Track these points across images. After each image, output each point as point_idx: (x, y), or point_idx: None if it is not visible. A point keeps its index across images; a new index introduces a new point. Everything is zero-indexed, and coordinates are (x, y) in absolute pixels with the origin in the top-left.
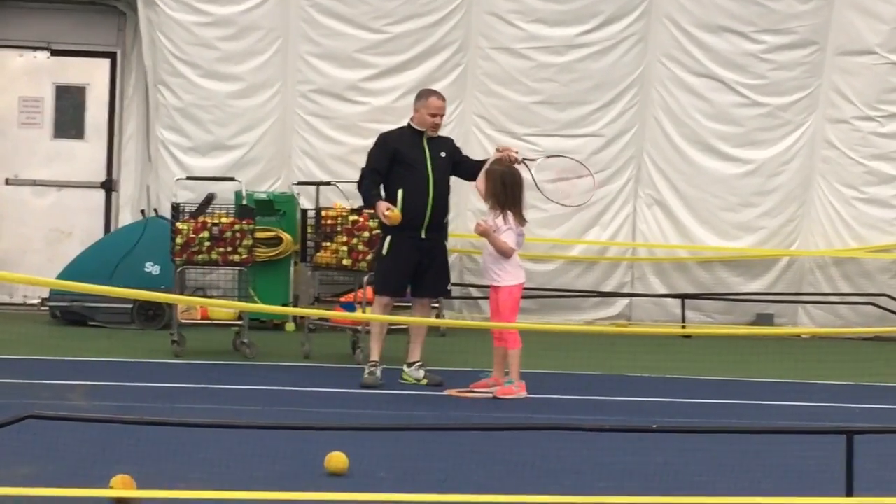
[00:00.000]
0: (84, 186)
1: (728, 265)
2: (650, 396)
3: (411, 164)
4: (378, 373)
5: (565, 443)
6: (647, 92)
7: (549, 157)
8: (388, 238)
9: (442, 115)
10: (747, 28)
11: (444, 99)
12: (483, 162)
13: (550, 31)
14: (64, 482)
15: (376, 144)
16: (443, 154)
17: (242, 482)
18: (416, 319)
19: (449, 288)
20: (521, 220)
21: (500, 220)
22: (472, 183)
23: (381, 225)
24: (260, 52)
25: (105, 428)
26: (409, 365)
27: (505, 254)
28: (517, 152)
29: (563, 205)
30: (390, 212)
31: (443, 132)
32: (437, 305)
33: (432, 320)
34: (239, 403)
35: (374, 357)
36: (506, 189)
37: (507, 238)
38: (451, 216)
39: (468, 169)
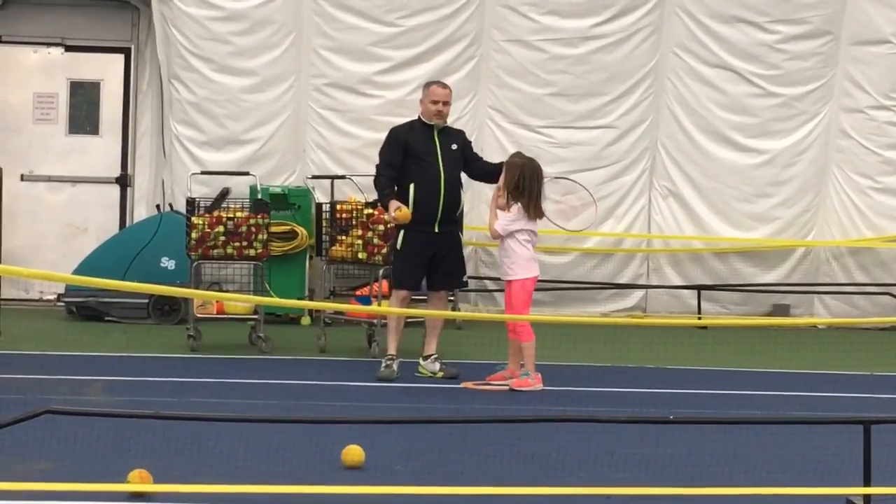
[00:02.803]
0: (99, 182)
1: (743, 256)
2: (666, 388)
3: (422, 158)
4: (394, 366)
5: (581, 434)
6: (662, 83)
7: (557, 177)
8: (402, 232)
9: (446, 104)
10: (761, 18)
11: (447, 87)
12: (499, 166)
13: (564, 23)
14: (81, 477)
15: (388, 139)
16: (454, 147)
17: (259, 476)
18: (433, 312)
19: (465, 280)
20: (538, 213)
21: (512, 208)
22: (489, 191)
23: None
24: (273, 46)
25: (122, 422)
26: (425, 358)
27: (491, 234)
28: None
29: (557, 225)
30: (398, 211)
31: (458, 125)
32: (452, 298)
33: (448, 313)
34: (255, 397)
35: (391, 351)
36: (524, 181)
37: (501, 219)
38: (466, 209)
39: (481, 171)
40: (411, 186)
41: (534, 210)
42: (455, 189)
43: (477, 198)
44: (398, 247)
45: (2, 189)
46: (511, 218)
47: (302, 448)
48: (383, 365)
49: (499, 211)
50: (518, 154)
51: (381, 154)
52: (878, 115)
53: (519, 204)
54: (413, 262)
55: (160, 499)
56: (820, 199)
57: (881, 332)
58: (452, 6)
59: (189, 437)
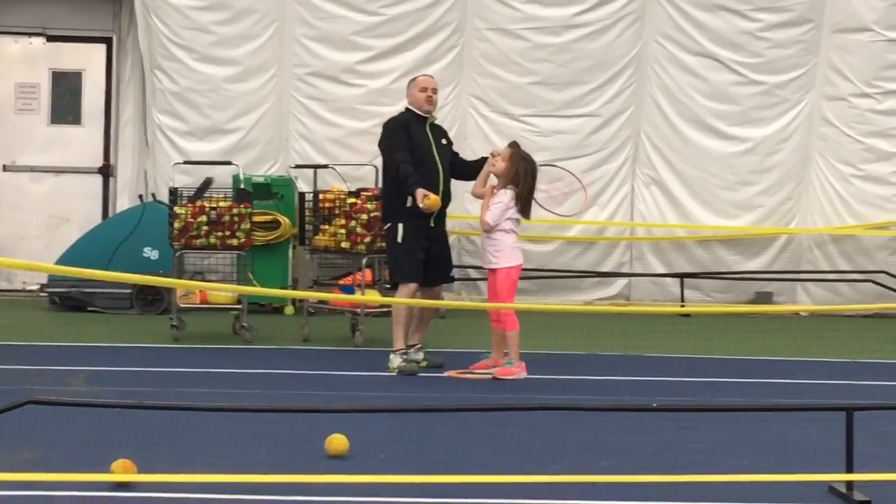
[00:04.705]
0: (81, 172)
1: (726, 244)
2: (649, 375)
3: (420, 150)
4: (412, 356)
5: (565, 422)
6: (644, 71)
7: (543, 165)
8: (401, 226)
9: (434, 90)
10: (743, 6)
11: (432, 77)
12: (477, 162)
13: (546, 12)
14: (65, 467)
15: (391, 127)
16: (443, 142)
17: (243, 465)
18: (426, 302)
19: (453, 275)
20: (527, 212)
21: (502, 193)
22: (469, 189)
23: (386, 212)
24: (256, 35)
25: (105, 413)
26: (410, 346)
27: (483, 226)
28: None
29: (550, 211)
30: (427, 200)
31: (441, 114)
32: None
33: (434, 302)
34: (238, 387)
35: (401, 344)
36: (526, 178)
37: (493, 210)
38: None
39: (461, 167)
40: None
41: (525, 210)
42: (448, 183)
43: (460, 186)
44: (399, 239)
45: None
46: (502, 209)
47: (286, 437)
48: (400, 360)
49: (490, 202)
50: (517, 145)
51: (390, 142)
52: (860, 102)
53: (510, 191)
54: (416, 255)
55: (144, 489)
56: (802, 186)
57: (863, 319)
58: None
59: (173, 427)
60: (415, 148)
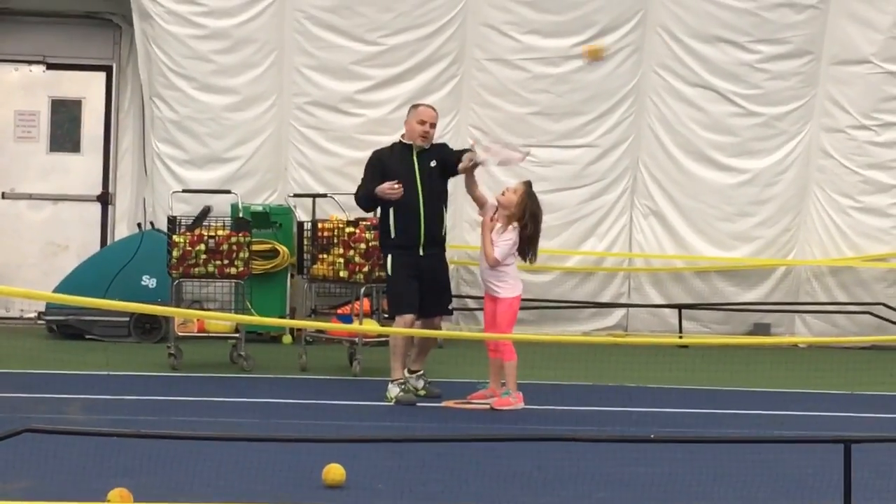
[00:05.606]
0: (80, 200)
1: (724, 275)
2: (647, 406)
3: (401, 180)
4: (409, 385)
5: (563, 453)
6: (643, 102)
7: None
8: (389, 257)
9: (433, 125)
10: (742, 38)
11: (435, 110)
12: (461, 152)
13: (545, 42)
14: (61, 495)
15: (368, 162)
16: (433, 164)
17: (240, 495)
18: (422, 332)
19: (451, 308)
20: (527, 256)
21: (511, 230)
22: (471, 209)
23: (380, 243)
24: (255, 64)
25: (102, 441)
26: (411, 372)
27: (487, 258)
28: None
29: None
30: (392, 188)
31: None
32: None
33: (431, 331)
34: (236, 416)
35: (399, 374)
36: (533, 221)
37: (501, 248)
38: (447, 225)
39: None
40: (391, 210)
41: (532, 255)
42: (435, 210)
43: (458, 216)
44: (389, 272)
45: None
46: (510, 245)
47: (283, 467)
48: (398, 390)
49: (493, 236)
50: (531, 184)
51: (363, 178)
52: (858, 134)
53: (515, 227)
54: (407, 285)
55: None
56: (801, 218)
57: (861, 350)
58: (434, 25)
59: (169, 456)
60: (394, 178)
